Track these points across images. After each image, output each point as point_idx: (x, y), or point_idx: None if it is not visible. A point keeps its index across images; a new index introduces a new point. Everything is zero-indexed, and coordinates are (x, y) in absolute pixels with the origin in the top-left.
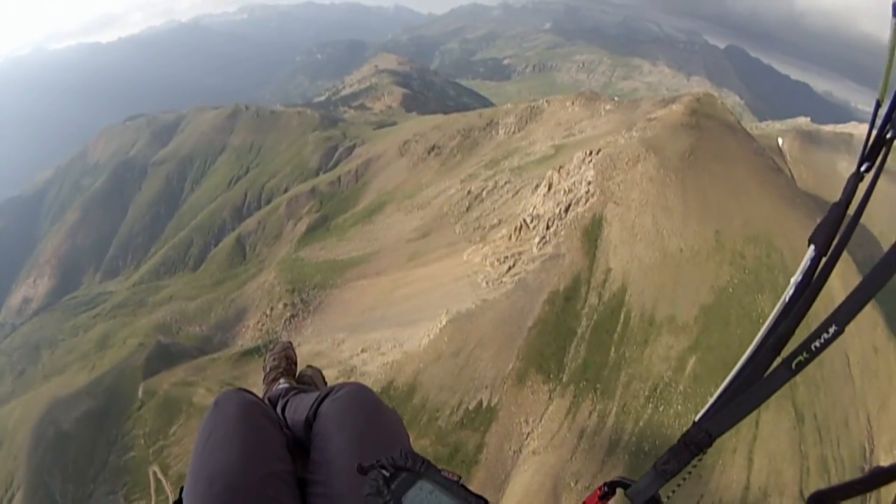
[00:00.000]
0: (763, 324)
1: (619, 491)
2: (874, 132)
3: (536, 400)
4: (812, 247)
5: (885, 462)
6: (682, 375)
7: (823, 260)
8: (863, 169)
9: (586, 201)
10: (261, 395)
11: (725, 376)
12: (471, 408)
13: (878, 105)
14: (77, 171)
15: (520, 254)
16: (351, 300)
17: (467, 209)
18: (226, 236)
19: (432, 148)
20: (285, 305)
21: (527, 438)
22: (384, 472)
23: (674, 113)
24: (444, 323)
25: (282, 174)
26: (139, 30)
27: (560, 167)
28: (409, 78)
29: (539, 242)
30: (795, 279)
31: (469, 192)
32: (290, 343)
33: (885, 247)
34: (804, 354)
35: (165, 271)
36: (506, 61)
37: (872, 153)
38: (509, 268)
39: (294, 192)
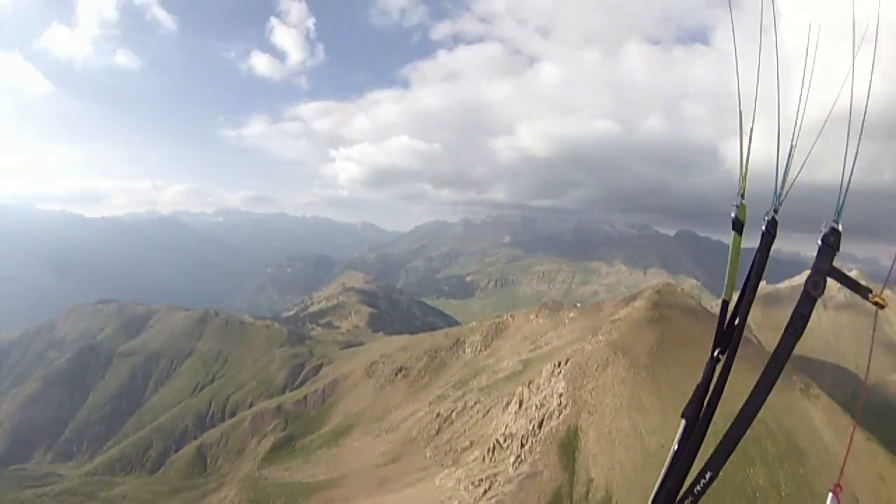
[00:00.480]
0: (759, 498)
1: None
2: (726, 321)
3: None
4: (683, 420)
5: None
6: None
7: (693, 430)
8: (716, 353)
9: (559, 414)
10: None
11: None
12: None
13: (725, 303)
14: (43, 340)
15: (495, 475)
16: None
17: (437, 432)
18: (187, 444)
19: (399, 369)
20: None
21: None
22: None
23: (636, 310)
24: None
25: (247, 388)
26: (122, 213)
27: (529, 382)
28: (376, 297)
29: (514, 462)
30: (673, 448)
31: (438, 414)
32: None
33: (862, 379)
34: (689, 499)
35: (121, 468)
36: (469, 278)
37: (724, 340)
38: (485, 491)
39: (259, 407)
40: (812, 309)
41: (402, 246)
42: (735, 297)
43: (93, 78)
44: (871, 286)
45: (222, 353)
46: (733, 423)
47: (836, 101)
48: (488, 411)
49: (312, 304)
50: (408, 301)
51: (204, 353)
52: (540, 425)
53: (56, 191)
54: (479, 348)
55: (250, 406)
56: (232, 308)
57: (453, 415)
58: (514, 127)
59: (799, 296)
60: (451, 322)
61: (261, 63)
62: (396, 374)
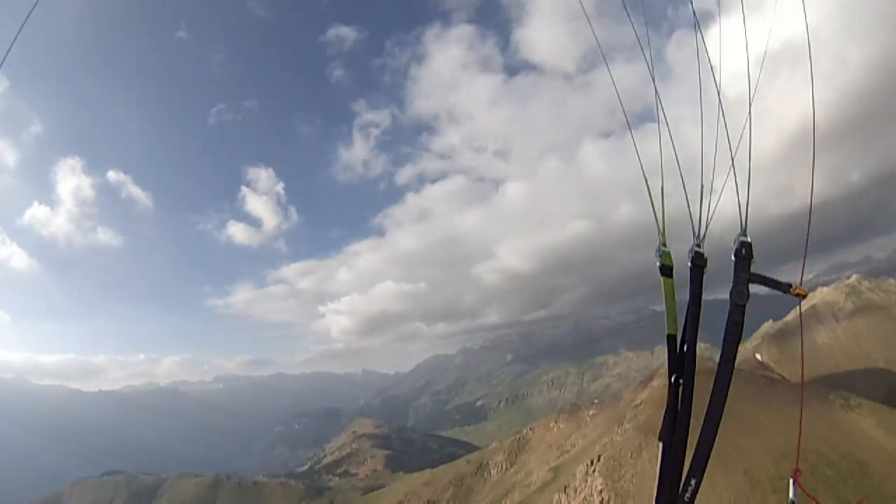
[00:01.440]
0: None
1: None
2: (676, 350)
3: None
4: (661, 444)
5: None
6: None
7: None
8: (674, 379)
9: None
10: None
11: None
12: None
13: (671, 337)
14: None
15: None
16: None
17: None
18: None
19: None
20: None
21: None
22: None
23: (656, 389)
24: None
25: None
26: (119, 386)
27: (565, 487)
28: (389, 439)
29: None
30: (658, 469)
31: None
32: None
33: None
34: None
35: None
36: (479, 402)
37: (677, 367)
38: None
39: None
40: (742, 316)
41: (405, 386)
42: (679, 329)
43: (76, 255)
44: (864, 282)
45: None
46: (702, 430)
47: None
48: None
49: (325, 455)
50: (422, 437)
51: None
52: None
53: (51, 366)
54: (504, 467)
55: None
56: (243, 471)
57: None
58: (492, 250)
59: (728, 310)
60: (470, 448)
61: (238, 232)
62: None
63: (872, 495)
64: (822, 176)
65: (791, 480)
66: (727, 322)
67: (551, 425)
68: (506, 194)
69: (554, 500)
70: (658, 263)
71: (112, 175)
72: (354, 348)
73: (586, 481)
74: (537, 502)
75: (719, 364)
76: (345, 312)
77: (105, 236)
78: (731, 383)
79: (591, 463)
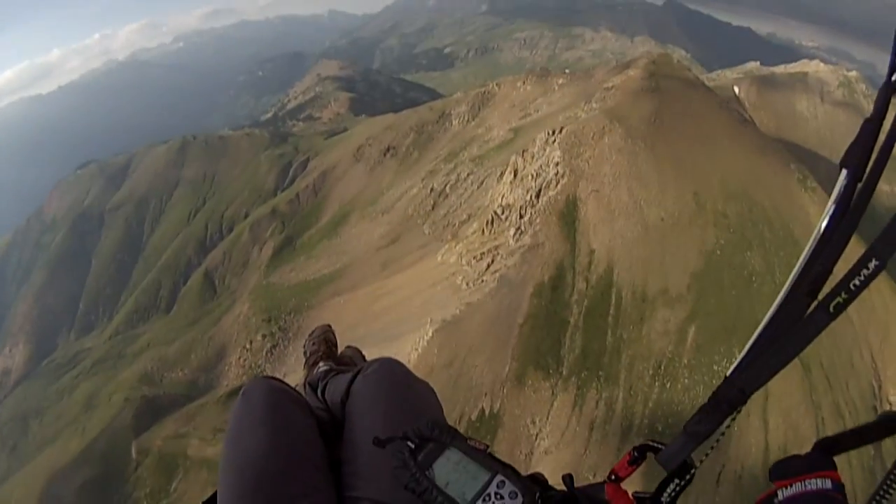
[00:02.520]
0: (756, 282)
1: (649, 456)
2: None
3: (539, 398)
4: (844, 171)
5: (893, 396)
6: (683, 348)
7: (859, 186)
8: (894, 78)
9: (557, 183)
10: (301, 381)
11: (728, 341)
12: (473, 418)
13: None
14: (36, 230)
15: (496, 248)
16: (330, 321)
17: (433, 207)
18: (193, 273)
19: (387, 149)
20: (264, 336)
21: (536, 439)
22: (410, 443)
23: (631, 78)
24: (430, 334)
25: (239, 200)
26: (79, 75)
27: (523, 151)
28: (353, 81)
29: (515, 234)
30: (829, 209)
31: (432, 189)
32: (329, 326)
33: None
34: (843, 295)
35: (139, 318)
36: (447, 50)
37: None
38: (488, 265)
39: (254, 216)
40: None
41: (374, 27)
42: None
43: None
44: (861, 84)
45: (208, 173)
46: None
47: None
48: (482, 182)
49: (290, 100)
50: (387, 80)
51: (191, 180)
52: (537, 195)
53: (6, 83)
54: (466, 119)
55: (245, 217)
56: (211, 127)
57: (447, 188)
58: None
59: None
60: (434, 95)
61: None
62: (385, 155)
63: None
64: None
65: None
66: None
67: (518, 84)
68: None
69: (510, 161)
70: None
71: None
72: None
73: (544, 150)
74: (494, 159)
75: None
76: None
77: None
78: (710, 103)
79: (552, 133)
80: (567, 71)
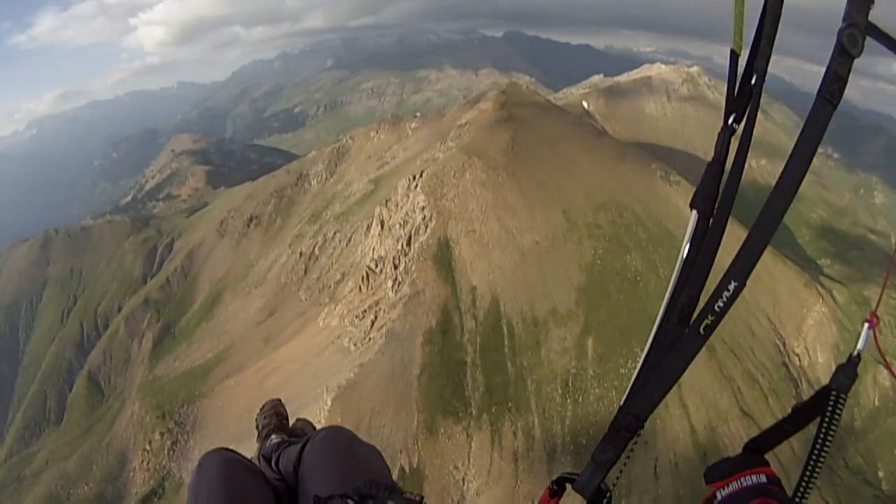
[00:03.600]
0: (640, 281)
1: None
2: (737, 82)
3: (456, 443)
4: (694, 212)
5: (798, 348)
6: (586, 361)
7: (711, 222)
8: (731, 121)
9: (426, 228)
10: (256, 453)
11: (627, 343)
12: (394, 478)
13: (734, 54)
14: None
15: (377, 303)
16: (225, 406)
17: (305, 272)
18: (76, 377)
19: (250, 220)
20: (162, 434)
21: (464, 484)
22: (350, 500)
23: (484, 112)
24: (329, 403)
25: (110, 293)
26: None
27: (387, 201)
28: (208, 154)
29: (393, 286)
30: (684, 248)
31: (301, 253)
32: (279, 400)
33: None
34: (710, 318)
35: (31, 435)
36: (297, 109)
37: (738, 103)
38: (372, 321)
39: (128, 308)
40: (849, 71)
41: (223, 95)
42: (746, 47)
43: None
44: (703, 77)
45: (75, 268)
46: (761, 216)
47: None
48: (350, 239)
49: (147, 181)
50: (241, 148)
51: (58, 278)
52: (408, 243)
53: None
54: (324, 177)
55: (119, 310)
56: (72, 218)
57: (316, 250)
58: None
59: (832, 54)
60: (289, 158)
61: None
62: (248, 226)
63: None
64: None
65: (865, 325)
66: (826, 71)
67: (372, 135)
68: None
69: (375, 213)
70: None
71: None
72: (170, 60)
73: (408, 196)
74: (358, 214)
75: (805, 126)
76: (160, 22)
77: None
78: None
79: (413, 178)
80: (418, 114)
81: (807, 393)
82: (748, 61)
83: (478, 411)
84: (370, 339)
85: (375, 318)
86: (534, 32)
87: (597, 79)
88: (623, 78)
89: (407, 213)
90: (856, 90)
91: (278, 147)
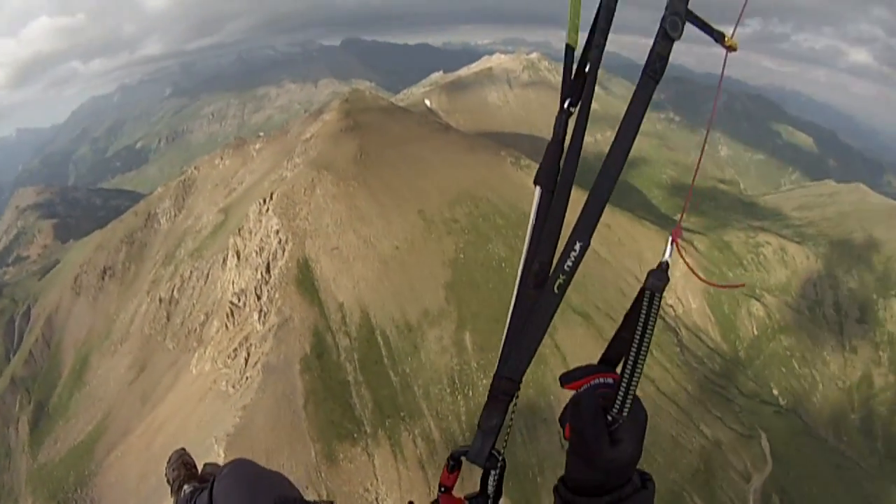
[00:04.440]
0: (506, 266)
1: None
2: (573, 69)
3: (359, 465)
4: (538, 188)
5: (671, 299)
6: (467, 354)
7: (553, 195)
8: (567, 105)
9: (283, 252)
10: None
11: (504, 330)
12: None
13: (570, 48)
14: None
15: (246, 339)
16: (118, 481)
17: (168, 319)
18: None
19: (104, 272)
20: None
21: (379, 503)
22: None
23: (328, 123)
24: (221, 453)
25: None
26: None
27: (239, 230)
28: (53, 205)
29: (259, 317)
30: (532, 220)
31: (160, 300)
32: (184, 449)
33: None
34: (561, 277)
35: None
36: (138, 145)
37: (574, 89)
38: (245, 359)
39: None
40: (669, 52)
41: (63, 138)
42: (580, 41)
43: None
44: (543, 61)
45: None
46: (598, 179)
47: None
48: (208, 276)
49: None
50: (86, 195)
51: None
52: (268, 270)
53: None
54: (173, 214)
55: None
56: None
57: (175, 293)
58: None
59: (655, 38)
60: (136, 198)
61: None
62: (103, 278)
63: None
64: None
65: (669, 240)
66: (651, 52)
67: (216, 161)
68: None
69: (230, 244)
70: None
71: None
72: (7, 105)
73: (261, 222)
74: (212, 248)
75: (633, 99)
76: None
77: None
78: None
79: (264, 202)
80: (261, 134)
81: (688, 339)
82: (583, 52)
83: (372, 428)
84: (247, 377)
85: (248, 354)
86: (371, 37)
87: (436, 76)
88: (464, 72)
89: (262, 239)
90: (691, 56)
91: (123, 188)
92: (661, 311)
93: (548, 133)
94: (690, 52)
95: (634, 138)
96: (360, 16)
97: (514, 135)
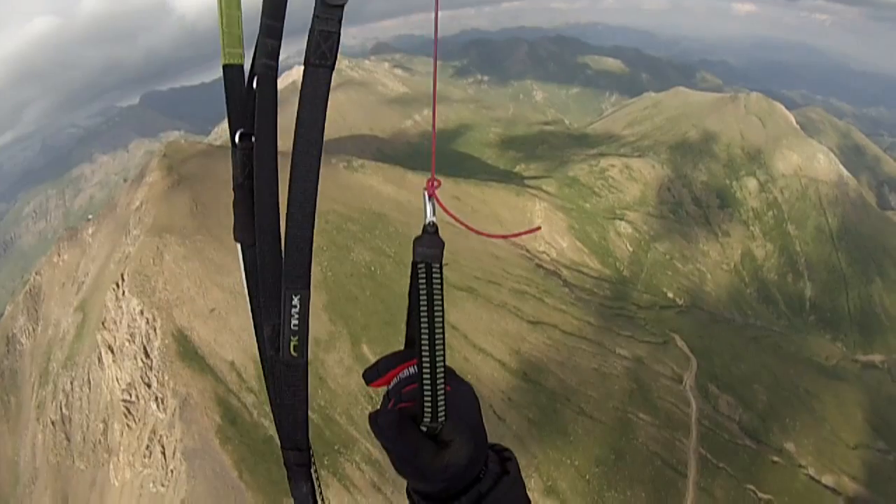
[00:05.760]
0: (376, 270)
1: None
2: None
3: None
4: (238, 245)
5: (540, 247)
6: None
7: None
8: (238, 136)
9: (154, 330)
10: None
11: (396, 329)
12: None
13: (229, 69)
14: None
15: (154, 432)
16: None
17: (68, 439)
18: None
19: None
20: None
21: None
22: None
23: (154, 185)
24: None
25: None
26: None
27: (103, 323)
28: None
29: (157, 406)
30: (244, 284)
31: (52, 423)
32: None
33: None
34: (294, 338)
35: None
36: None
37: (243, 117)
38: (162, 452)
39: None
40: (340, 21)
41: None
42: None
43: None
44: (344, 61)
45: None
46: (289, 222)
47: None
48: (89, 381)
49: None
50: None
51: None
52: (147, 355)
53: None
54: (30, 329)
55: None
56: None
57: (64, 411)
58: None
59: (313, 14)
60: None
61: None
62: None
63: (404, 245)
64: None
65: (426, 196)
66: (310, 34)
67: (55, 260)
68: None
69: (99, 341)
70: None
71: None
72: None
73: (121, 307)
74: (82, 353)
75: (302, 101)
76: None
77: None
78: None
79: (118, 286)
80: (90, 217)
81: (571, 277)
82: (251, 66)
83: (315, 472)
84: (171, 470)
85: (163, 447)
86: (167, 85)
87: None
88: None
89: (128, 325)
90: (483, 19)
91: None
92: (537, 261)
93: (367, 128)
94: (482, 14)
95: (320, 151)
96: (151, 67)
97: (336, 140)
